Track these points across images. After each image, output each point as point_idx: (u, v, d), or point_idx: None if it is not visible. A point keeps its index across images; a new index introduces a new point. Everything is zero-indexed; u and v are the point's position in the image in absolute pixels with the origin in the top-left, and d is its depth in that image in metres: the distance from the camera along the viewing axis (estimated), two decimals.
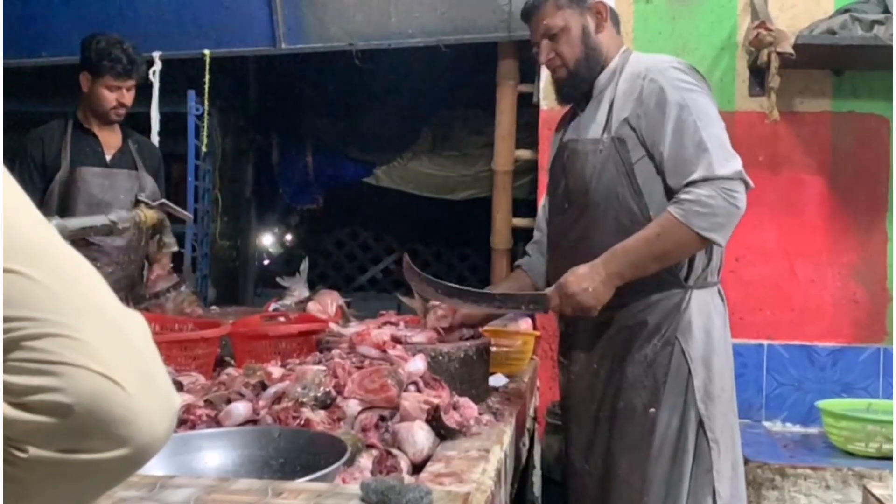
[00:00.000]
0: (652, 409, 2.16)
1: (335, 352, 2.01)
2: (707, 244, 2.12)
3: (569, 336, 2.37)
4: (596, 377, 2.27)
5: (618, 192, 2.19)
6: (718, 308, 2.25)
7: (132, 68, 3.22)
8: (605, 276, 2.11)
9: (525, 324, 2.98)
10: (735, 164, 2.09)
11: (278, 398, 1.74)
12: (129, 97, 3.28)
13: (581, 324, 2.28)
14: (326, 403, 1.72)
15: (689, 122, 2.11)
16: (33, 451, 0.65)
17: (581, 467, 2.31)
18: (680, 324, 2.18)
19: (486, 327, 2.51)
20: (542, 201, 2.61)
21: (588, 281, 2.11)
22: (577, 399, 2.34)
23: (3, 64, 3.61)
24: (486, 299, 2.27)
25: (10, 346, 0.64)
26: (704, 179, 2.07)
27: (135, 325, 0.72)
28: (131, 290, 3.12)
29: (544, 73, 3.49)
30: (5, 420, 0.64)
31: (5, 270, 0.64)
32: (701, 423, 2.16)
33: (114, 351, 0.67)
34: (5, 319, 0.64)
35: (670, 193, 2.15)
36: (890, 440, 2.82)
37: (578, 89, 2.32)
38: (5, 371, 0.64)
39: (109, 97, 3.24)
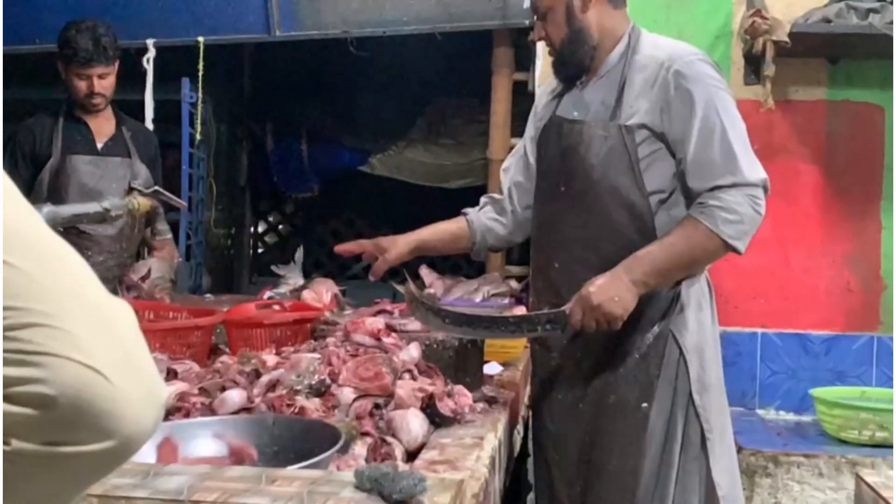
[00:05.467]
0: (645, 405, 2.12)
1: (330, 340, 2.01)
2: (729, 251, 2.05)
3: None
4: (578, 368, 2.20)
5: (620, 184, 2.11)
6: (707, 297, 2.22)
7: (95, 56, 3.11)
8: (630, 285, 2.01)
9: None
10: (761, 170, 2.05)
11: (272, 386, 1.74)
12: (102, 85, 3.18)
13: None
14: (321, 391, 1.72)
15: (716, 122, 2.04)
16: (16, 443, 0.64)
17: (560, 459, 2.25)
18: (673, 316, 2.14)
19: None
20: (507, 163, 2.50)
21: (613, 290, 1.99)
22: (555, 390, 2.26)
23: None
24: (500, 324, 2.15)
25: None
26: (733, 185, 2.01)
27: (121, 314, 0.70)
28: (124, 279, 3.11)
29: (539, 62, 3.48)
30: None
31: None
32: (696, 414, 2.13)
33: (99, 341, 0.66)
34: None
35: (688, 194, 2.09)
36: (883, 428, 2.84)
37: (566, 70, 2.26)
38: None
39: (79, 85, 3.17)
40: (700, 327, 2.17)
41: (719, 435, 2.16)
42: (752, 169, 2.04)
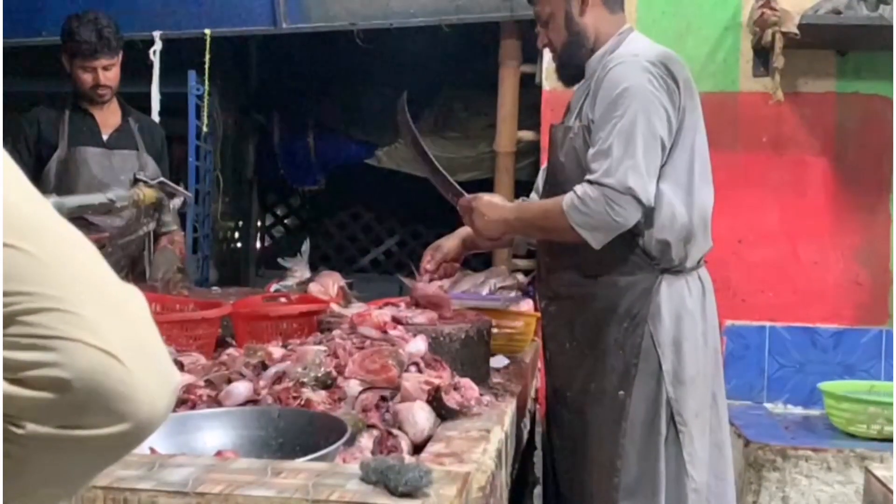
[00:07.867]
0: (621, 392, 2.17)
1: (336, 332, 2.00)
2: (581, 238, 2.10)
3: (546, 316, 2.40)
4: (566, 357, 2.30)
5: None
6: (695, 292, 2.23)
7: (99, 47, 3.11)
8: (502, 218, 2.30)
9: (526, 305, 2.98)
10: (632, 179, 2.04)
11: (279, 378, 1.73)
12: (107, 77, 3.19)
13: (556, 304, 2.32)
14: (327, 384, 1.72)
15: (610, 123, 2.09)
16: (31, 426, 0.64)
17: (557, 444, 2.36)
18: (650, 308, 2.17)
19: (486, 307, 2.55)
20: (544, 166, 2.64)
21: (490, 211, 2.32)
22: (554, 380, 2.38)
23: (3, 44, 3.59)
24: (435, 174, 2.54)
25: (6, 321, 0.63)
26: (596, 182, 2.06)
27: (133, 299, 0.71)
28: (132, 270, 3.11)
29: (546, 55, 3.47)
30: (2, 396, 0.63)
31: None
32: (670, 406, 2.16)
33: (111, 325, 0.66)
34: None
35: None
36: (892, 422, 2.82)
37: (568, 73, 2.37)
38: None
39: (85, 77, 3.18)
40: (678, 321, 2.19)
41: (699, 429, 2.18)
42: (620, 175, 2.05)
